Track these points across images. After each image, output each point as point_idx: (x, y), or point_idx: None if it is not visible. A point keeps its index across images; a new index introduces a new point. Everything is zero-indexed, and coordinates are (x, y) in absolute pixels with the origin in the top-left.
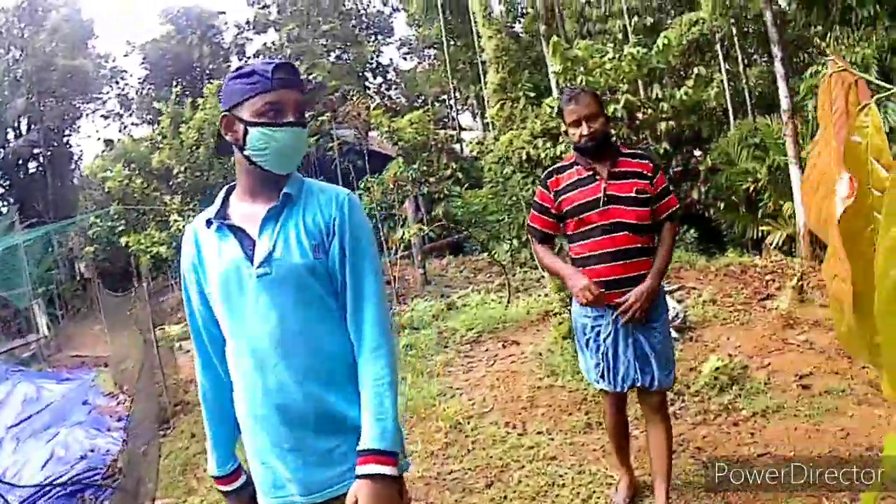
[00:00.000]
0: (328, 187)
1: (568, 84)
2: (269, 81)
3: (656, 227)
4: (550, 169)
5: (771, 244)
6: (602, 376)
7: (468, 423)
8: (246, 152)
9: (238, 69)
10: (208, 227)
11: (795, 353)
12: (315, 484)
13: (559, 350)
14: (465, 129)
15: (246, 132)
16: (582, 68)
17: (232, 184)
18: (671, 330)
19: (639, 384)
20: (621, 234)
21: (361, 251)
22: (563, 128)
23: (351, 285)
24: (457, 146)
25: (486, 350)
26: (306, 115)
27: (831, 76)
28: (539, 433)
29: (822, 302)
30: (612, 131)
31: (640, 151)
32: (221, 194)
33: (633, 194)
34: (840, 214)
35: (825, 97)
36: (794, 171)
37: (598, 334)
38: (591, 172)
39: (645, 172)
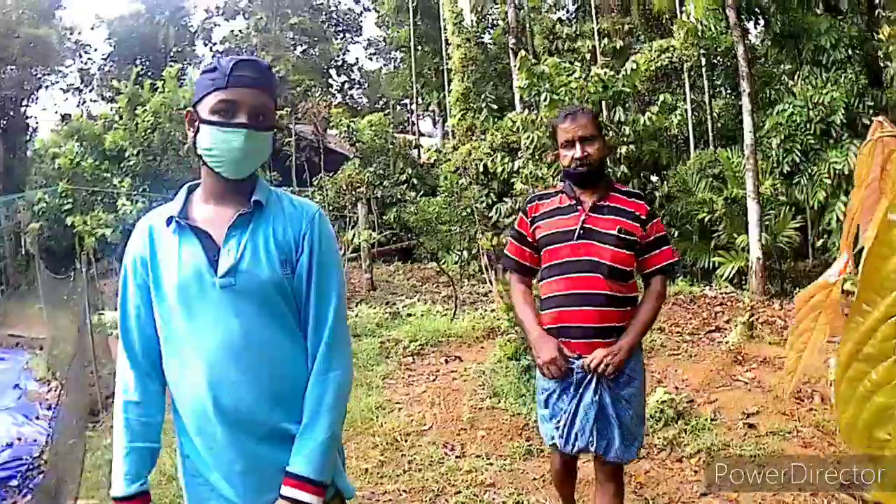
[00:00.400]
0: (299, 200)
1: (533, 99)
2: (224, 78)
3: (645, 277)
4: (534, 195)
5: (722, 276)
6: (556, 428)
7: (405, 440)
8: (199, 151)
9: (208, 64)
10: (168, 226)
11: (742, 390)
12: None
13: (503, 370)
14: (424, 136)
15: (198, 130)
16: (548, 85)
17: (195, 181)
18: (645, 400)
19: (592, 449)
20: (593, 275)
21: (328, 271)
22: (535, 147)
23: (314, 304)
24: (414, 152)
25: (429, 364)
26: (273, 118)
27: (877, 141)
28: (478, 457)
29: (770, 339)
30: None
31: (635, 191)
32: (183, 192)
33: (614, 232)
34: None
35: (865, 164)
36: (751, 205)
37: (559, 396)
38: (573, 202)
39: (637, 213)
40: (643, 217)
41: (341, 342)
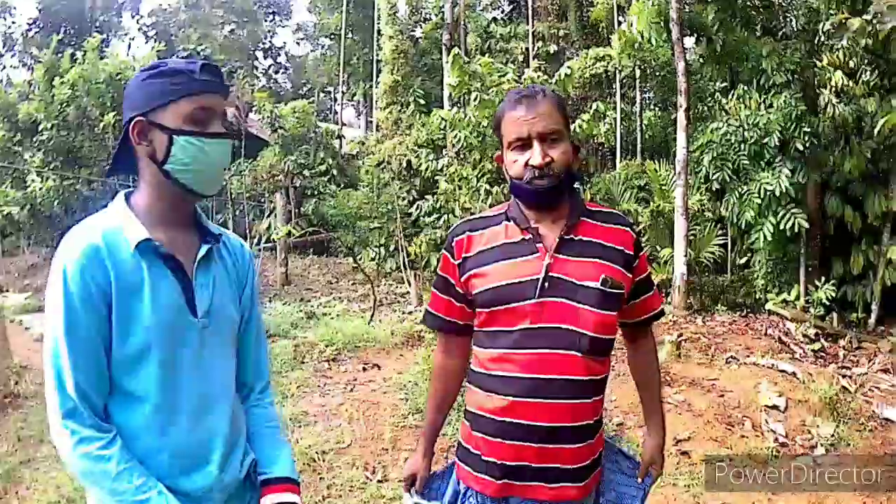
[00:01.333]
0: (223, 229)
1: (463, 97)
2: (197, 82)
3: (632, 326)
4: (463, 221)
5: None
6: None
7: (323, 460)
8: (167, 167)
9: (154, 66)
10: (135, 250)
11: (673, 413)
12: None
13: (426, 384)
14: (346, 126)
15: (171, 142)
16: (479, 84)
17: (127, 190)
18: None
19: None
20: (566, 352)
21: (257, 298)
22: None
23: (254, 341)
24: (336, 142)
25: (346, 371)
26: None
27: None
28: (401, 482)
29: (698, 359)
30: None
31: (615, 212)
32: (122, 204)
33: (595, 285)
34: None
35: None
36: (679, 220)
37: None
38: (528, 235)
39: (623, 250)
40: (630, 253)
41: (267, 360)
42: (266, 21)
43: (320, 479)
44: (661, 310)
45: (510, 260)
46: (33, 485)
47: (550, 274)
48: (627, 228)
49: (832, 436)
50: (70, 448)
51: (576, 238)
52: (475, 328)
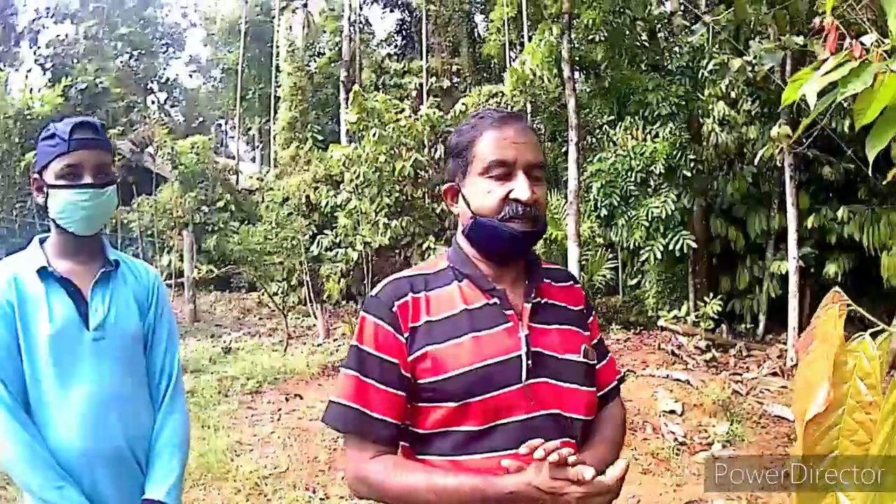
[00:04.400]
0: (137, 260)
1: (360, 133)
2: (66, 143)
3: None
4: (394, 278)
5: None
6: None
7: (266, 484)
8: (51, 215)
9: (46, 129)
10: (36, 275)
11: None
12: None
13: None
14: (241, 160)
15: (48, 195)
16: (377, 121)
17: (43, 235)
18: None
19: None
20: (562, 440)
21: (170, 324)
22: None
23: (160, 355)
24: (233, 178)
25: (270, 402)
26: (112, 171)
27: (831, 302)
28: (342, 498)
29: None
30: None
31: (559, 266)
32: (36, 244)
33: (579, 357)
34: (812, 416)
35: (825, 319)
36: (572, 247)
37: None
38: (495, 300)
39: (581, 309)
40: (585, 311)
41: (181, 388)
42: (161, 53)
43: (267, 500)
44: (622, 378)
45: (476, 333)
46: None
47: (534, 349)
48: (577, 285)
49: (727, 433)
50: None
51: (542, 302)
52: (419, 431)
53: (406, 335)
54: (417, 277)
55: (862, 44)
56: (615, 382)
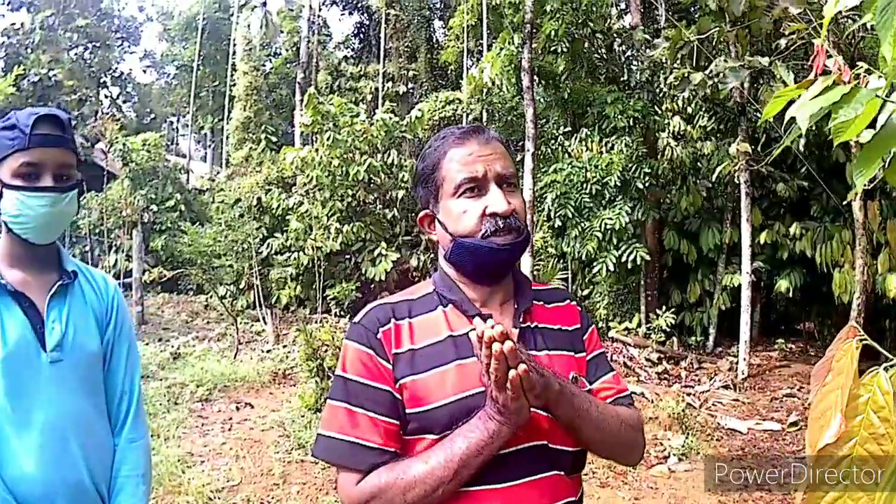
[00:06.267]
0: (93, 269)
1: (314, 136)
2: (26, 138)
3: None
4: (378, 304)
5: None
6: None
7: (218, 497)
8: (3, 217)
9: (5, 119)
10: None
11: None
12: None
13: (305, 422)
14: (191, 159)
15: (1, 195)
16: (332, 124)
17: None
18: None
19: None
20: (550, 474)
21: (131, 341)
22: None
23: (121, 375)
24: (184, 177)
25: (220, 411)
26: (76, 173)
27: (847, 336)
28: None
29: None
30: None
31: (555, 286)
32: None
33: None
34: (823, 445)
35: (841, 352)
36: (524, 257)
37: None
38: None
39: (576, 330)
40: (580, 328)
41: (143, 412)
42: (116, 47)
43: None
44: (629, 395)
45: (461, 361)
46: None
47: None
48: (573, 303)
49: (683, 446)
50: None
51: (531, 326)
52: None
53: (391, 358)
54: (400, 304)
55: (851, 68)
56: (617, 396)
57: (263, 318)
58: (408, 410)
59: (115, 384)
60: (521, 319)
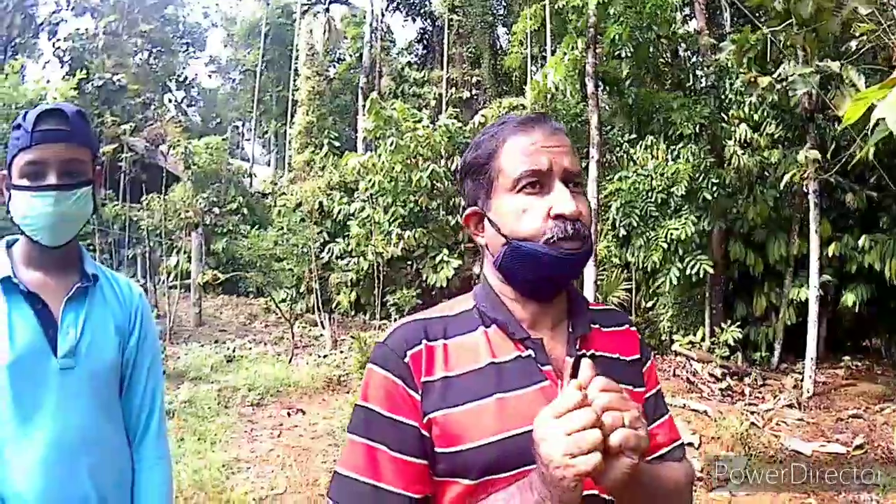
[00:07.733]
0: (120, 276)
1: (377, 142)
2: (29, 136)
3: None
4: (407, 320)
5: None
6: None
7: None
8: (16, 220)
9: (21, 117)
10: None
11: None
12: None
13: None
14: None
15: (10, 196)
16: (395, 129)
17: (12, 237)
18: None
19: None
20: None
21: (155, 355)
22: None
23: (142, 390)
24: (247, 180)
25: (270, 416)
26: (90, 170)
27: None
28: None
29: None
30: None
31: (612, 308)
32: (2, 250)
33: None
34: None
35: None
36: (589, 266)
37: None
38: (529, 352)
39: (637, 358)
40: (640, 359)
41: (165, 430)
42: (181, 52)
43: None
44: (681, 445)
45: (503, 394)
46: None
47: None
48: (633, 328)
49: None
50: None
51: (588, 354)
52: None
53: (420, 387)
54: (434, 321)
55: None
56: (670, 447)
57: (322, 323)
58: (437, 450)
59: (135, 398)
60: (576, 346)
